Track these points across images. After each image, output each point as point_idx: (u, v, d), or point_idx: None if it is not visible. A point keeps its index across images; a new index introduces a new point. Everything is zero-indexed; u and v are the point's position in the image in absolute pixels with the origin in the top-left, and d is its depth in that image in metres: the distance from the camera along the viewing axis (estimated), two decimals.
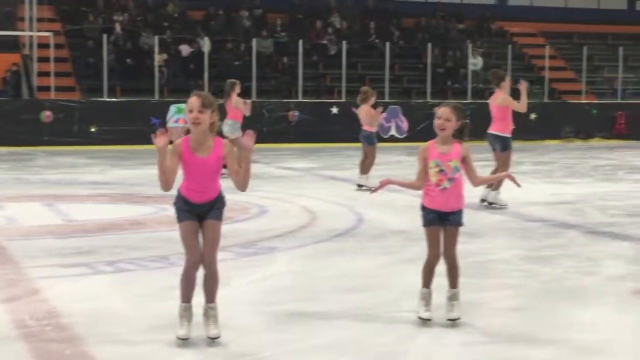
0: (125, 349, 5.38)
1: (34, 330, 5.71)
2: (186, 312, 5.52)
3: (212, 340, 5.44)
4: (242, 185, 5.49)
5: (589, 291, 7.02)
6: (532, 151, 22.64)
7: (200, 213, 5.50)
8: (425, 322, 5.87)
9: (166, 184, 5.42)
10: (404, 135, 25.54)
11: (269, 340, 5.58)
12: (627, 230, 10.02)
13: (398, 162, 18.95)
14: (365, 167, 13.93)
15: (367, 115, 13.93)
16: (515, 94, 12.34)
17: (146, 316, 6.10)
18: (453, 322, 5.89)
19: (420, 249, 6.37)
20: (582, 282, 7.34)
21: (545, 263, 8.09)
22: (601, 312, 6.35)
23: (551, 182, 15.55)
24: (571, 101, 28.99)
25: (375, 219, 10.68)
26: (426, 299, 5.95)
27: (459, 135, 5.97)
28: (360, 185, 13.78)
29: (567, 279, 7.44)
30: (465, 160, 5.95)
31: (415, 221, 6.10)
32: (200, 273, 5.53)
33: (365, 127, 13.98)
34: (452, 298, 5.99)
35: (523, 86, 12.01)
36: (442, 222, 5.95)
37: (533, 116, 26.13)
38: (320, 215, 10.96)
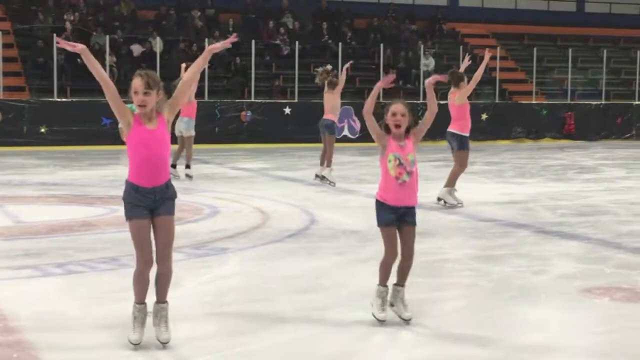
0: (74, 353, 5.31)
1: None
2: (140, 313, 5.44)
3: (163, 345, 5.39)
4: (194, 73, 5.85)
5: (538, 290, 7.08)
6: (483, 151, 22.83)
7: (151, 204, 5.35)
8: (379, 322, 5.88)
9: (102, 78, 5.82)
10: (357, 136, 25.60)
11: (220, 341, 5.55)
12: (576, 230, 10.13)
13: (350, 162, 18.99)
14: (327, 159, 13.80)
15: (334, 100, 13.91)
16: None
17: (96, 319, 6.02)
18: (407, 322, 5.91)
19: (373, 249, 6.39)
20: (532, 281, 7.40)
21: (496, 262, 8.15)
22: (550, 311, 6.42)
23: (502, 182, 15.68)
24: (522, 102, 29.28)
25: (328, 219, 10.68)
26: (383, 297, 5.97)
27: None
28: (319, 176, 13.65)
29: (517, 278, 7.50)
30: (416, 133, 6.04)
31: (368, 221, 6.11)
32: (153, 272, 5.44)
33: (329, 116, 13.90)
34: (403, 297, 6.02)
35: (487, 54, 12.32)
36: (398, 221, 5.98)
37: (484, 117, 26.40)
38: (273, 216, 10.94)
